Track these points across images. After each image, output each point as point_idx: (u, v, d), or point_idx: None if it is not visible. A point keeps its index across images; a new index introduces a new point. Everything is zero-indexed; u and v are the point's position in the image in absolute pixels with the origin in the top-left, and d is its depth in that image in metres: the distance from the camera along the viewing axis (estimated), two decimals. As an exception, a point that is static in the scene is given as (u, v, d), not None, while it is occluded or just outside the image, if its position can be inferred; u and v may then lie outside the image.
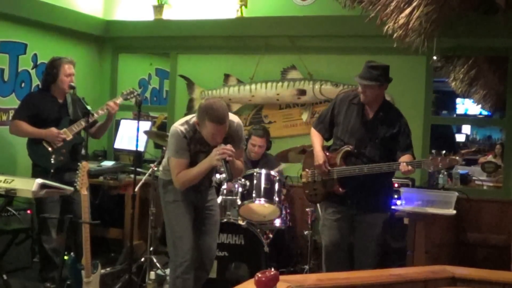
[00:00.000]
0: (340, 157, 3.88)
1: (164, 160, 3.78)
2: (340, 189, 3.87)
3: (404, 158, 3.75)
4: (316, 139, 4.03)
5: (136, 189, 4.46)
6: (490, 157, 7.47)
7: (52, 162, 4.37)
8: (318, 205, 4.36)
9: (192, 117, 3.54)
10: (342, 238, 3.97)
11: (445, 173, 5.22)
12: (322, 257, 4.09)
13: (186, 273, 3.59)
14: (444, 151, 3.72)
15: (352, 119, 3.91)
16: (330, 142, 4.13)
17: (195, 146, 3.55)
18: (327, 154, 3.96)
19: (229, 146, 3.42)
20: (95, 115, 4.51)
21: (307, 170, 4.11)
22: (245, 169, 4.67)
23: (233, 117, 3.59)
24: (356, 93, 3.98)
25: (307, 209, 4.70)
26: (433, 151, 3.76)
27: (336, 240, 3.96)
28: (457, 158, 3.74)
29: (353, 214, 3.91)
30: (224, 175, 4.25)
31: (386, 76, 3.85)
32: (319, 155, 3.92)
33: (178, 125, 3.53)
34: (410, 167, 3.65)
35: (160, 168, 3.86)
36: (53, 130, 4.38)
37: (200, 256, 3.74)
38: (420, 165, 3.74)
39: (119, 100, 4.64)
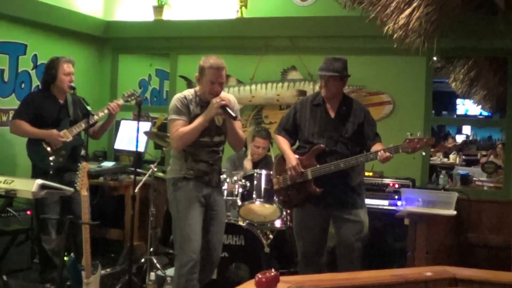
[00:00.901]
0: (313, 156, 3.86)
1: (171, 161, 3.81)
2: (317, 189, 3.84)
3: (376, 147, 3.76)
4: (284, 144, 4.00)
5: (136, 189, 4.45)
6: (492, 157, 7.48)
7: (51, 163, 4.36)
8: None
9: (193, 89, 3.74)
10: (319, 243, 3.95)
11: (445, 172, 5.23)
12: (298, 264, 4.06)
13: (191, 272, 3.58)
14: (419, 133, 3.70)
15: (318, 120, 3.90)
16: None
17: (195, 108, 3.64)
18: (298, 157, 3.93)
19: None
20: (96, 116, 4.50)
21: (278, 176, 4.06)
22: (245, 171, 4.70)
23: (228, 95, 3.81)
24: (315, 94, 4.01)
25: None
26: (408, 133, 3.72)
27: (314, 241, 3.94)
28: (432, 138, 3.76)
29: (331, 213, 3.88)
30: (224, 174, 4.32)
31: (346, 70, 3.88)
32: (291, 158, 3.90)
33: (180, 93, 3.73)
34: (387, 154, 3.62)
35: (168, 169, 3.86)
36: (53, 131, 4.38)
37: (204, 256, 3.73)
38: (398, 150, 3.65)
39: (120, 102, 4.64)
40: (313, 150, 3.86)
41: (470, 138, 13.11)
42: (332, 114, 3.89)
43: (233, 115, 3.58)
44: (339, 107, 3.89)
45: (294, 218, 4.08)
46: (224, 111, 3.56)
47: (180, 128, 3.60)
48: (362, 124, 3.85)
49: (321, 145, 3.84)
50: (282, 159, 4.02)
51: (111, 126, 4.95)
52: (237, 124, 3.71)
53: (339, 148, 3.83)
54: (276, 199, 4.25)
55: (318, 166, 3.82)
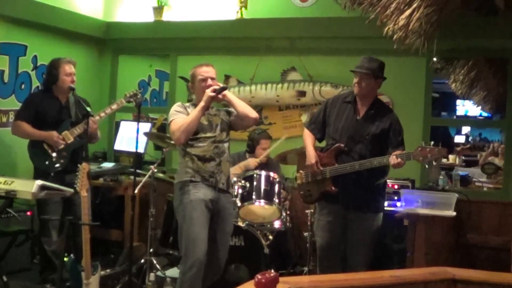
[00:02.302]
0: (332, 155, 3.90)
1: (178, 168, 3.86)
2: (333, 187, 3.89)
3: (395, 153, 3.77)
4: (308, 139, 4.07)
5: (136, 190, 4.46)
6: (492, 158, 7.47)
7: (53, 165, 4.36)
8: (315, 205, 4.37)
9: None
10: (335, 240, 3.97)
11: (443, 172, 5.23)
12: (317, 258, 4.12)
13: (195, 277, 3.57)
14: (432, 142, 3.72)
15: (344, 118, 3.94)
16: (323, 143, 4.15)
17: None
18: (319, 154, 3.99)
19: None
20: (97, 117, 4.49)
21: (301, 171, 4.14)
22: (246, 172, 4.70)
23: None
24: (349, 91, 4.04)
25: (307, 211, 4.71)
26: (422, 142, 3.74)
27: (328, 241, 3.97)
28: (445, 149, 3.77)
29: (345, 213, 3.91)
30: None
31: (382, 71, 3.92)
32: (311, 155, 3.96)
33: (178, 102, 3.94)
34: (399, 160, 3.65)
35: (176, 176, 3.86)
36: (54, 133, 4.37)
37: (208, 263, 3.70)
38: (409, 157, 3.70)
39: (122, 103, 4.63)
40: (333, 148, 3.92)
41: (470, 140, 13.09)
42: (360, 115, 3.92)
43: (223, 87, 3.75)
44: (368, 109, 3.91)
45: (316, 216, 4.17)
46: (218, 92, 3.68)
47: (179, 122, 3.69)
48: (387, 131, 3.86)
49: (341, 145, 3.88)
50: (305, 154, 4.06)
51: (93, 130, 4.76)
52: (233, 98, 3.84)
53: (359, 149, 3.86)
54: (299, 196, 4.28)
55: (335, 165, 3.88)
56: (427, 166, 3.87)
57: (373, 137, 3.85)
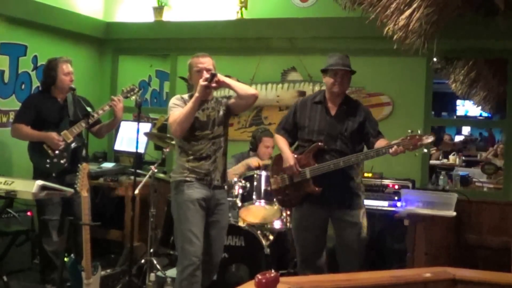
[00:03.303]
0: (311, 156, 3.84)
1: (174, 166, 3.81)
2: (316, 188, 3.81)
3: (381, 142, 3.74)
4: (282, 143, 4.00)
5: (136, 191, 4.46)
6: (491, 154, 7.48)
7: (52, 165, 4.36)
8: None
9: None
10: (318, 244, 3.93)
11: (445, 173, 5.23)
12: (298, 261, 4.04)
13: (193, 276, 3.56)
14: (419, 130, 3.69)
15: (317, 118, 3.89)
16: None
17: None
18: (296, 156, 3.92)
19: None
20: (95, 115, 4.49)
21: (275, 176, 4.05)
22: (247, 172, 4.70)
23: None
24: (316, 92, 4.03)
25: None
26: (409, 130, 3.70)
27: (311, 243, 3.92)
28: (433, 133, 3.77)
29: (330, 214, 3.87)
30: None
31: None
32: (289, 157, 3.88)
33: (177, 95, 3.85)
34: (401, 148, 3.58)
35: (172, 174, 3.84)
36: (53, 134, 4.37)
37: (205, 260, 3.70)
38: (399, 146, 3.62)
39: (120, 98, 4.63)
40: (311, 148, 3.84)
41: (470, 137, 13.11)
42: (333, 112, 3.89)
43: (213, 73, 3.64)
44: (340, 106, 3.89)
45: (293, 219, 4.07)
46: (209, 80, 3.61)
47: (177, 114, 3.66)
48: (363, 123, 3.85)
49: (319, 144, 3.82)
50: (279, 158, 4.00)
51: (117, 124, 4.89)
52: (230, 81, 3.78)
53: (339, 147, 3.81)
54: (275, 199, 4.23)
55: (316, 165, 3.80)
56: (416, 154, 3.80)
57: (352, 133, 3.83)
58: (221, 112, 3.80)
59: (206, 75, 3.64)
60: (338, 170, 3.74)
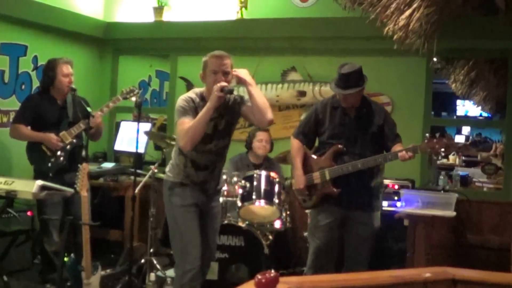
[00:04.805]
0: (331, 157, 3.86)
1: (171, 161, 3.67)
2: (335, 189, 3.84)
3: (396, 147, 3.75)
4: (297, 155, 3.96)
5: (136, 190, 4.46)
6: (491, 152, 7.48)
7: (51, 166, 4.36)
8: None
9: (199, 89, 3.54)
10: (332, 241, 3.94)
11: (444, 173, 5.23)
12: (309, 260, 4.02)
13: (194, 280, 3.51)
14: (438, 134, 3.70)
15: (337, 122, 3.89)
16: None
17: (201, 110, 3.41)
18: (314, 157, 3.93)
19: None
20: (99, 112, 4.48)
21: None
22: (246, 172, 4.70)
23: (240, 69, 3.55)
24: (334, 95, 3.95)
25: (307, 211, 4.70)
26: (427, 134, 3.70)
27: (326, 242, 3.93)
28: (452, 137, 3.73)
29: (346, 214, 3.88)
30: None
31: (363, 77, 3.80)
32: (300, 180, 3.88)
33: (185, 94, 3.53)
34: (410, 153, 3.61)
35: (166, 169, 3.70)
36: (51, 135, 4.36)
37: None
38: (416, 150, 3.66)
39: (119, 100, 4.62)
40: (331, 150, 3.86)
41: (471, 139, 13.11)
42: (352, 115, 3.88)
43: (231, 89, 3.33)
44: (359, 108, 3.88)
45: (311, 219, 4.09)
46: (226, 92, 3.33)
47: (186, 125, 3.37)
48: (382, 126, 3.85)
49: (339, 146, 3.83)
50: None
51: (102, 129, 4.76)
52: (255, 92, 3.42)
53: (358, 149, 3.83)
54: (297, 201, 4.20)
55: (335, 166, 3.82)
56: (435, 158, 3.79)
57: (373, 135, 3.84)
58: (230, 119, 3.58)
59: (223, 83, 3.33)
60: (356, 172, 3.76)
